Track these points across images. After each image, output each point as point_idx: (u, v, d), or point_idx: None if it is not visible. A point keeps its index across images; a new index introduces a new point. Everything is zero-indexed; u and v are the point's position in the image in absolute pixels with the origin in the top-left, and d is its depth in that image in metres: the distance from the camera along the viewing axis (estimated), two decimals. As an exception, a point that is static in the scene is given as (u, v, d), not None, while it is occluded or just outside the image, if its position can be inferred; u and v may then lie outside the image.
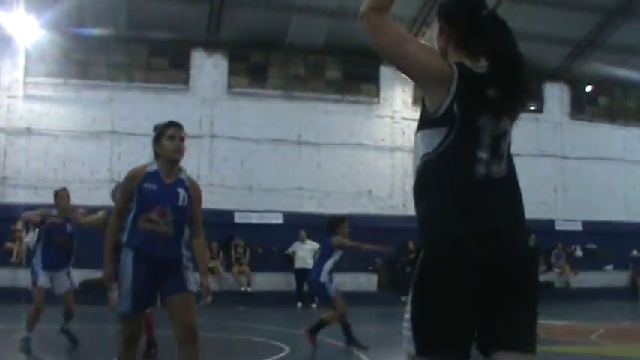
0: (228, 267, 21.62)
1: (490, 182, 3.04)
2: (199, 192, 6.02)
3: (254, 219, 23.05)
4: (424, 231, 3.08)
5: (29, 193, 22.01)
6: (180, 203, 5.76)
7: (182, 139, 5.88)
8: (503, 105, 3.08)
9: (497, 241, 2.99)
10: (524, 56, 3.22)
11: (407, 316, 3.04)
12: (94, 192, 22.53)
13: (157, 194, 5.73)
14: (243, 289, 21.26)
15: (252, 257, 22.00)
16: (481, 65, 3.13)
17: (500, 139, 3.09)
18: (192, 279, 5.81)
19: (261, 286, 21.38)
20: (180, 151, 5.85)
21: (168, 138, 5.82)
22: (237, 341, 11.44)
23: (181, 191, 5.80)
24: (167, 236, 5.70)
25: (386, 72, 24.36)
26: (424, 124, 3.10)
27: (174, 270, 5.72)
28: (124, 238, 5.82)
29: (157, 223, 5.67)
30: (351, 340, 10.67)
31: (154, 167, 5.86)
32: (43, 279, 10.19)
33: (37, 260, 10.44)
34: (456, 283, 2.93)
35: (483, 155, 3.03)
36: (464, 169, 3.02)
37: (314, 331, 10.49)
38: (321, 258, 11.23)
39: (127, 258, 5.72)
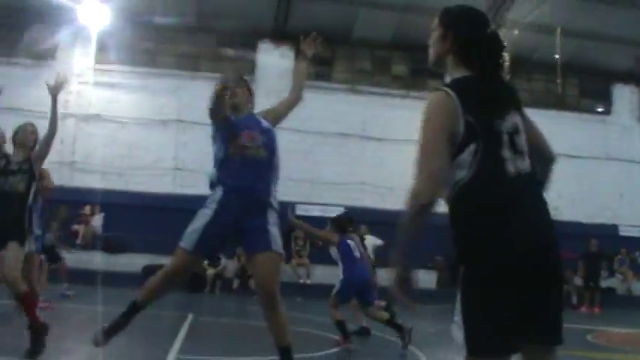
0: (287, 259, 21.68)
1: (521, 179, 3.17)
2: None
3: (316, 212, 23.03)
4: (472, 242, 3.13)
5: (96, 177, 22.43)
6: (264, 125, 5.92)
7: (236, 89, 6.08)
8: (500, 101, 3.29)
9: (542, 239, 3.14)
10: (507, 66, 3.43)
11: (456, 319, 3.11)
12: (158, 179, 22.91)
13: (242, 121, 5.88)
14: (302, 281, 21.33)
15: (312, 250, 22.04)
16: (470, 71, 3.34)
17: (514, 136, 3.22)
18: (279, 239, 5.79)
19: (320, 278, 21.38)
20: (234, 95, 6.01)
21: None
22: (294, 333, 11.44)
23: (259, 117, 6.03)
24: (259, 161, 5.77)
25: (452, 69, 24.08)
26: (452, 153, 3.18)
27: (260, 216, 5.71)
28: (214, 178, 5.85)
29: (248, 147, 5.75)
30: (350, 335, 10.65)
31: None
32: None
33: (37, 222, 9.68)
34: (510, 284, 3.02)
35: (507, 154, 3.16)
36: (498, 173, 3.14)
37: (401, 332, 10.38)
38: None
39: (217, 193, 5.76)
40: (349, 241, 10.87)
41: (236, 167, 5.73)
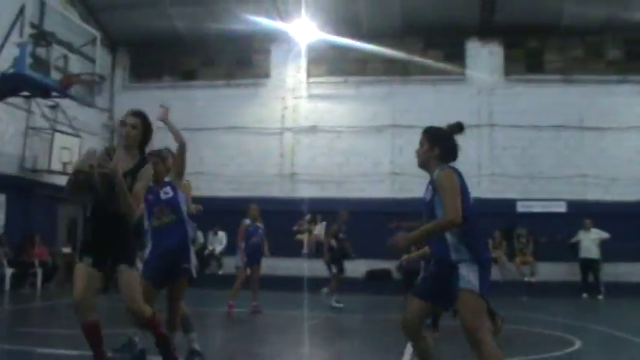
0: (510, 257, 21.41)
1: None
2: (442, 181, 5.59)
3: (536, 208, 22.57)
4: None
5: (316, 187, 23.10)
6: (427, 198, 5.77)
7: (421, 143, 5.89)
8: None
9: None
10: None
11: None
12: (376, 185, 23.25)
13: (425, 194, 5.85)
14: (526, 279, 20.97)
15: (536, 247, 21.62)
16: None
17: None
18: (472, 276, 5.39)
19: (545, 276, 20.95)
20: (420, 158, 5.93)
21: None
22: (522, 333, 11.32)
23: (428, 187, 5.79)
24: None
25: (673, 48, 22.88)
26: None
27: (448, 269, 5.57)
28: None
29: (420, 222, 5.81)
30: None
31: None
32: None
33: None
34: None
35: None
36: None
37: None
38: None
39: None
40: None
41: None
